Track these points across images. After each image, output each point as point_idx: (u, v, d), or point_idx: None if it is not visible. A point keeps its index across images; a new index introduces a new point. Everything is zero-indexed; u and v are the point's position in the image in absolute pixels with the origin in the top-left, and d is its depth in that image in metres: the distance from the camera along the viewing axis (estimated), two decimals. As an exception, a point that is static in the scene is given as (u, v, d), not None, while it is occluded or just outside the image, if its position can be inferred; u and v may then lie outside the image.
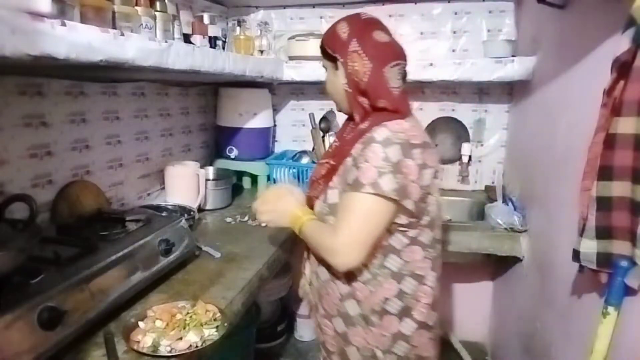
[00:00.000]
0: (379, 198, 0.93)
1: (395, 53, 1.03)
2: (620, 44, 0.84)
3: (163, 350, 0.91)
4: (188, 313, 1.02)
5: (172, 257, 1.23)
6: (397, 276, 1.04)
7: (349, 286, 1.06)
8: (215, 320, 1.02)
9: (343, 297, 1.08)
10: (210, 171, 2.01)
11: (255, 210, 1.20)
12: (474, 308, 2.28)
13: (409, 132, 0.97)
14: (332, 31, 1.06)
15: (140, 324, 0.98)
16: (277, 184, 1.24)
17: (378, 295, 1.04)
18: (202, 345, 0.93)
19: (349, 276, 1.05)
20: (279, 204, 1.15)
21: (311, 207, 1.14)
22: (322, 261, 1.09)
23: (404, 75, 1.06)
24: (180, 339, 0.94)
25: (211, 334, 0.98)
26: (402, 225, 1.01)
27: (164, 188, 1.82)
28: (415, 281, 1.06)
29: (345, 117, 1.17)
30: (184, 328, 0.97)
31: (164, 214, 1.56)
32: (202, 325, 0.99)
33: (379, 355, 1.07)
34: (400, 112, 1.02)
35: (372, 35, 1.02)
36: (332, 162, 1.06)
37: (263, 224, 1.17)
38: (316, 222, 1.08)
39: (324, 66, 1.12)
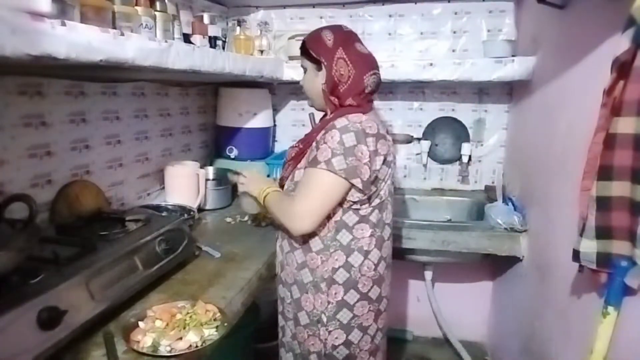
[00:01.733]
0: (331, 174, 1.07)
1: (373, 64, 1.18)
2: (620, 44, 0.84)
3: (163, 350, 0.91)
4: (188, 313, 1.02)
5: (171, 257, 1.23)
6: (346, 249, 1.15)
7: (304, 256, 1.18)
8: (215, 320, 1.02)
9: (299, 266, 1.20)
10: (210, 171, 2.01)
11: (235, 176, 1.38)
12: (474, 308, 2.29)
13: (365, 124, 1.10)
14: (317, 37, 1.18)
15: (140, 323, 0.98)
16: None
17: (328, 264, 1.16)
18: (202, 345, 0.93)
19: (305, 247, 1.18)
20: (256, 177, 1.35)
21: (281, 186, 1.29)
22: (284, 235, 1.23)
23: (378, 83, 1.20)
24: (180, 339, 0.94)
25: (211, 334, 0.98)
26: (354, 203, 1.13)
27: (163, 188, 1.82)
28: (361, 256, 1.16)
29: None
30: (184, 328, 0.97)
31: (163, 214, 1.56)
32: (202, 325, 0.99)
33: (323, 319, 1.17)
34: (362, 108, 1.17)
35: (355, 46, 1.17)
36: (300, 146, 1.22)
37: (240, 191, 1.35)
38: (278, 192, 1.23)
39: (302, 66, 1.24)
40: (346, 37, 1.18)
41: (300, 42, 1.22)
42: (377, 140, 1.12)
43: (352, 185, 1.09)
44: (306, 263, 1.19)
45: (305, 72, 1.25)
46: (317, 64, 1.18)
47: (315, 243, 1.17)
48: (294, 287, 1.22)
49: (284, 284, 1.27)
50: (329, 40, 1.16)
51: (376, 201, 1.17)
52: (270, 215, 1.26)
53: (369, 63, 1.18)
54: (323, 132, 1.13)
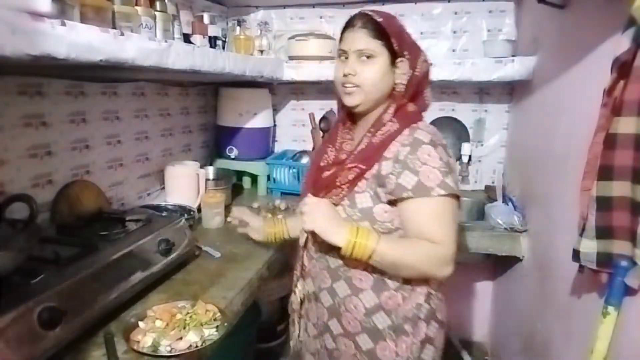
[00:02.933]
0: (450, 198, 0.92)
1: (430, 70, 1.08)
2: (620, 43, 0.84)
3: (163, 350, 0.91)
4: (188, 313, 1.02)
5: (172, 257, 1.23)
6: (428, 279, 1.00)
7: (377, 297, 0.99)
8: (215, 320, 1.02)
9: (369, 311, 1.00)
10: (210, 171, 2.01)
11: (300, 208, 1.01)
12: (474, 308, 2.28)
13: (438, 134, 1.00)
14: (399, 26, 1.00)
15: (141, 323, 0.98)
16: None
17: (411, 301, 0.99)
18: (202, 345, 0.93)
19: (377, 287, 0.99)
20: (332, 212, 0.98)
21: None
22: (339, 274, 1.03)
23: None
24: (180, 338, 0.94)
25: (211, 333, 0.98)
26: None
27: (164, 188, 1.82)
28: (437, 281, 1.03)
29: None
30: (184, 328, 0.97)
31: (164, 214, 1.56)
32: (202, 325, 0.99)
33: None
34: (420, 117, 1.05)
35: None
36: (362, 167, 0.98)
37: (306, 228, 0.98)
38: (392, 237, 0.97)
39: (364, 53, 0.99)
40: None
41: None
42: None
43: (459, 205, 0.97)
44: (380, 306, 0.99)
45: (363, 58, 0.99)
46: (393, 55, 0.98)
47: (392, 278, 0.99)
48: (363, 337, 1.01)
49: (342, 335, 1.04)
50: (409, 34, 1.01)
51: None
52: (384, 266, 0.95)
53: (429, 69, 1.06)
54: (407, 148, 0.94)
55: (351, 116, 1.10)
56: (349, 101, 1.02)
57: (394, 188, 0.94)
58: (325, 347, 1.09)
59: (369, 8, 1.09)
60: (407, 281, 0.99)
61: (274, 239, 1.30)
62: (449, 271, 0.93)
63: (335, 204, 1.00)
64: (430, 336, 1.02)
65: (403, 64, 0.99)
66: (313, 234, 1.00)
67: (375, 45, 0.98)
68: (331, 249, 1.00)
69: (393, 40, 0.97)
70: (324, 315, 1.07)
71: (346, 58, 1.01)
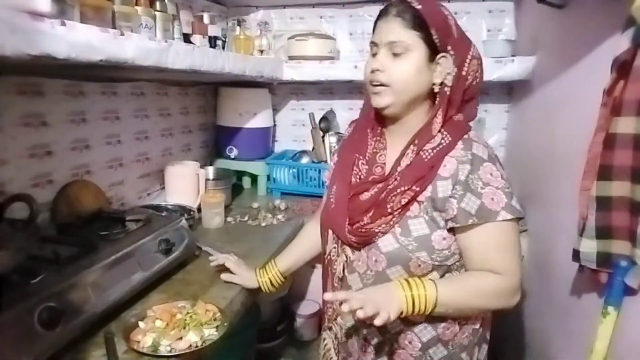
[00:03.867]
0: (514, 222, 0.84)
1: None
2: (620, 43, 0.84)
3: (163, 350, 0.91)
4: (188, 313, 1.02)
5: (172, 257, 1.23)
6: None
7: (434, 330, 0.91)
8: (215, 320, 1.02)
9: (425, 345, 0.91)
10: (210, 171, 2.01)
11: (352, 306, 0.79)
12: (474, 308, 2.28)
13: (490, 146, 0.89)
14: (443, 16, 0.85)
15: (141, 323, 0.98)
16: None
17: (468, 328, 0.93)
18: (202, 345, 0.93)
19: (433, 319, 0.89)
20: (379, 292, 0.85)
21: (363, 244, 0.91)
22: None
23: None
24: (180, 338, 0.94)
25: (211, 333, 0.98)
26: None
27: (164, 188, 1.82)
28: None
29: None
30: (184, 328, 0.97)
31: (164, 213, 1.56)
32: (202, 325, 0.99)
33: None
34: (468, 127, 0.90)
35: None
36: (416, 189, 0.85)
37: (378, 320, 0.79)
38: (448, 280, 0.88)
39: (397, 47, 0.84)
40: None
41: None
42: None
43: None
44: (438, 337, 0.91)
45: (399, 54, 0.84)
46: (433, 50, 0.84)
47: None
48: None
49: None
50: (455, 25, 0.86)
51: None
52: (448, 313, 0.88)
53: (483, 73, 0.92)
54: (466, 166, 0.83)
55: (380, 120, 0.95)
56: (376, 102, 0.88)
57: (456, 214, 0.83)
58: None
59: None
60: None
61: (269, 288, 1.18)
62: (517, 300, 0.88)
63: (383, 232, 0.88)
64: (480, 359, 0.99)
65: (446, 61, 0.85)
66: (349, 262, 0.94)
67: (411, 37, 0.83)
68: (380, 282, 0.89)
69: (433, 31, 0.82)
70: (369, 354, 0.96)
71: (377, 52, 0.87)
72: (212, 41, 1.63)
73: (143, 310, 1.03)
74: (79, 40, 0.83)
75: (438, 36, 0.83)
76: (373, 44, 0.88)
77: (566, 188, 1.24)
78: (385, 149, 0.95)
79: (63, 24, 0.79)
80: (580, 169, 0.98)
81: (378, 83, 0.87)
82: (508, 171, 2.02)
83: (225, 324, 1.01)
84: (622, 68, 0.85)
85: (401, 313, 0.81)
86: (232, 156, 2.14)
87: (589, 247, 0.95)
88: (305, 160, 2.16)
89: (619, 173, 0.89)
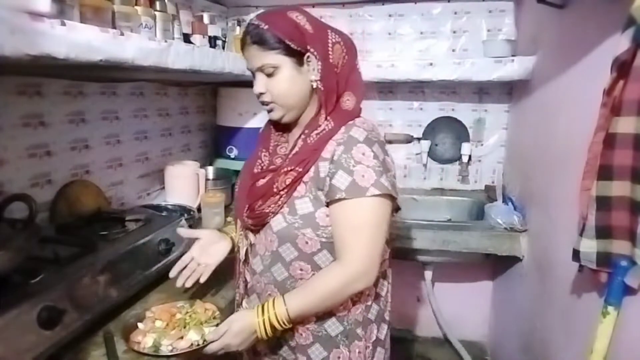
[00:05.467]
0: (383, 198, 0.87)
1: (355, 48, 0.96)
2: (620, 43, 0.84)
3: (165, 349, 0.91)
4: (187, 312, 1.02)
5: (172, 257, 1.23)
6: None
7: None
8: (214, 318, 1.02)
9: (320, 319, 0.95)
10: (210, 171, 2.00)
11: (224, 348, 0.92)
12: (474, 308, 2.29)
13: (376, 130, 0.93)
14: (288, 21, 0.90)
15: (140, 324, 0.98)
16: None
17: (360, 304, 0.96)
18: (203, 343, 0.94)
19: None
20: (239, 328, 0.91)
21: (261, 225, 0.97)
22: (282, 282, 0.96)
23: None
24: (181, 338, 0.94)
25: (211, 332, 0.98)
26: None
27: (163, 188, 1.82)
28: (384, 281, 1.02)
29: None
30: (184, 327, 0.97)
31: (163, 213, 1.56)
32: (201, 324, 0.99)
33: None
34: (356, 109, 0.95)
35: (335, 28, 0.95)
36: (298, 169, 0.91)
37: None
38: (297, 290, 0.92)
39: (265, 67, 0.91)
40: (318, 18, 0.94)
41: (250, 35, 0.87)
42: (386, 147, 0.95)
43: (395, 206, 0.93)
44: (331, 312, 0.94)
45: (271, 74, 0.91)
46: (299, 55, 0.90)
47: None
48: (316, 347, 0.96)
49: (291, 349, 0.98)
50: (307, 24, 0.90)
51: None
52: (308, 318, 0.93)
53: (355, 49, 0.96)
54: (341, 147, 0.88)
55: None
56: (271, 117, 0.99)
57: (328, 190, 0.88)
58: None
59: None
60: None
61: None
62: (364, 284, 0.89)
63: (274, 213, 0.94)
64: (380, 338, 1.01)
65: (312, 59, 0.90)
66: (252, 245, 1.00)
67: (272, 57, 0.89)
68: (276, 261, 0.95)
69: (287, 41, 0.88)
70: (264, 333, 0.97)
71: (255, 77, 0.96)
72: (212, 41, 1.63)
73: (142, 311, 1.03)
74: (79, 40, 0.83)
75: (295, 44, 0.89)
76: (250, 70, 0.97)
77: (566, 188, 1.24)
78: (286, 142, 1.03)
79: (63, 24, 0.79)
80: (580, 169, 0.98)
81: (267, 102, 0.97)
82: (508, 171, 2.02)
83: None
84: (622, 68, 0.85)
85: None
86: (232, 156, 2.14)
87: (589, 246, 0.95)
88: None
89: (619, 173, 0.89)
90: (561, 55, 1.42)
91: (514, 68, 1.76)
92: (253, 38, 0.90)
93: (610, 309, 0.93)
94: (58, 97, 1.33)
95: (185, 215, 1.56)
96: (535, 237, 1.58)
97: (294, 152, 0.95)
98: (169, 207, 1.67)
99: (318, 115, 0.93)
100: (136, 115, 1.70)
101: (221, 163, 2.15)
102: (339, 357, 0.96)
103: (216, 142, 2.25)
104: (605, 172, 0.91)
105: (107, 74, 1.42)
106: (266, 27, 0.88)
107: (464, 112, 2.19)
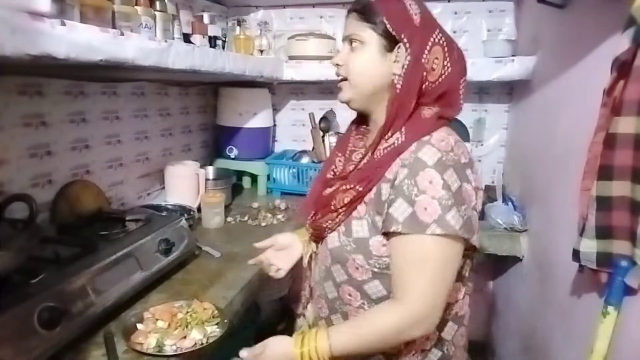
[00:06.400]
0: (449, 239, 0.75)
1: (466, 67, 0.87)
2: (620, 43, 0.84)
3: (169, 349, 0.91)
4: (188, 312, 1.03)
5: (172, 256, 1.23)
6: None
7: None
8: (214, 317, 1.03)
9: (366, 356, 0.87)
10: (210, 171, 2.00)
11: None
12: (474, 308, 2.27)
13: (456, 149, 0.79)
14: (399, 3, 0.82)
15: (139, 325, 0.98)
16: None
17: (415, 347, 0.86)
18: (206, 342, 0.94)
19: None
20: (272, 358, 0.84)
21: (320, 237, 0.93)
22: (335, 310, 0.90)
23: (466, 91, 0.90)
24: (184, 337, 0.94)
25: (213, 330, 0.99)
26: None
27: (164, 188, 1.82)
28: (455, 325, 0.91)
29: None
30: (187, 327, 0.98)
31: (164, 213, 1.56)
32: (203, 323, 1.00)
33: None
34: (444, 118, 0.84)
35: (449, 35, 0.85)
36: (359, 189, 0.83)
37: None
38: (344, 325, 0.84)
39: (352, 37, 0.84)
40: (434, 18, 0.84)
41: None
42: (472, 168, 0.82)
43: (469, 244, 0.80)
44: (377, 355, 0.87)
45: (354, 46, 0.84)
46: (391, 41, 0.81)
47: None
48: None
49: None
50: (416, 13, 0.81)
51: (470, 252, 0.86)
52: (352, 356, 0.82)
53: (465, 65, 0.87)
54: (405, 170, 0.77)
55: (363, 118, 0.95)
56: (340, 96, 0.89)
57: (384, 219, 0.79)
58: None
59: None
60: None
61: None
62: (422, 331, 0.78)
63: (331, 229, 0.88)
64: None
65: (402, 51, 0.81)
66: (315, 253, 0.95)
67: (363, 29, 0.82)
68: (328, 279, 0.89)
69: (385, 20, 0.80)
70: None
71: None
72: (212, 41, 1.63)
73: (140, 312, 1.03)
74: (79, 40, 0.83)
75: (392, 26, 0.80)
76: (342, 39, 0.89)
77: (566, 188, 1.24)
78: (364, 147, 0.94)
79: (63, 24, 0.79)
80: (580, 168, 0.98)
81: (340, 77, 0.88)
82: (508, 171, 2.02)
83: (226, 321, 1.02)
84: (622, 68, 0.85)
85: None
86: (232, 156, 2.14)
87: (589, 247, 0.95)
88: (305, 160, 2.16)
89: (619, 173, 0.89)
90: (561, 55, 1.42)
91: (514, 68, 1.76)
92: (356, 5, 0.84)
93: (610, 309, 0.93)
94: (59, 97, 1.33)
95: (186, 215, 1.56)
96: (535, 237, 1.58)
97: (361, 164, 0.87)
98: (169, 207, 1.67)
99: (392, 121, 0.82)
100: (137, 115, 1.70)
101: (221, 163, 2.15)
102: None
103: (216, 142, 2.25)
104: (605, 172, 0.91)
105: (108, 74, 1.42)
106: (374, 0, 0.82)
107: (464, 112, 2.13)
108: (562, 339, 1.26)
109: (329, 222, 0.88)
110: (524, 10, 1.93)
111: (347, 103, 0.89)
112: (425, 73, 0.81)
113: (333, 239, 0.88)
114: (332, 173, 0.94)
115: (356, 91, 0.86)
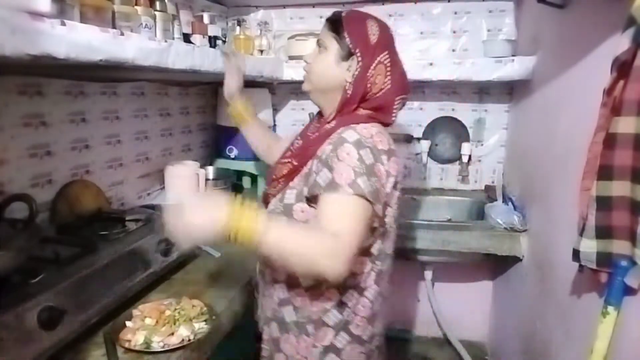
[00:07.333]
0: (359, 199, 0.86)
1: (407, 87, 1.04)
2: (620, 43, 0.84)
3: (156, 346, 0.92)
4: (176, 309, 1.03)
5: (171, 257, 1.23)
6: (340, 287, 0.96)
7: (288, 292, 1.00)
8: (202, 314, 1.04)
9: (281, 302, 1.01)
10: (210, 171, 2.00)
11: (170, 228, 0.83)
12: (474, 308, 2.29)
13: (375, 137, 0.94)
14: (361, 22, 0.99)
15: (128, 323, 0.99)
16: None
17: (318, 304, 0.98)
18: (194, 338, 0.95)
19: (290, 282, 0.99)
20: (210, 203, 0.83)
21: (266, 203, 1.07)
22: (265, 262, 1.03)
23: (401, 107, 1.04)
24: (172, 334, 0.95)
25: (201, 327, 1.00)
26: None
27: (163, 188, 1.82)
28: (357, 294, 0.99)
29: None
30: (174, 324, 0.98)
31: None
32: (191, 320, 1.01)
33: None
34: (376, 120, 1.00)
35: (398, 58, 1.02)
36: (294, 163, 0.99)
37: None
38: (286, 225, 0.91)
39: (321, 42, 1.02)
40: (392, 41, 1.01)
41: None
42: (389, 157, 0.95)
43: (374, 212, 0.90)
44: (290, 300, 1.00)
45: (320, 49, 1.02)
46: (348, 52, 0.98)
47: (307, 280, 0.97)
48: (273, 325, 1.04)
49: (263, 319, 1.09)
50: (374, 34, 0.98)
51: (381, 230, 0.98)
52: (269, 254, 0.86)
53: (405, 85, 1.03)
54: (330, 147, 0.92)
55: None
56: (303, 86, 1.08)
57: (311, 185, 0.92)
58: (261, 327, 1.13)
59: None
60: (319, 285, 0.96)
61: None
62: (340, 269, 0.82)
63: (273, 195, 1.04)
64: (337, 346, 0.99)
65: (353, 62, 0.97)
66: None
67: (329, 38, 1.00)
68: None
69: (346, 34, 0.98)
70: (260, 297, 1.13)
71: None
72: (212, 41, 1.63)
73: (129, 311, 1.04)
74: (79, 40, 0.83)
75: (350, 40, 0.97)
76: None
77: (566, 188, 1.24)
78: (316, 132, 1.07)
79: (63, 24, 0.79)
80: (580, 168, 0.98)
81: (305, 71, 1.07)
82: (508, 171, 2.02)
83: (214, 317, 1.03)
84: (622, 68, 0.85)
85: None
86: (232, 156, 2.14)
87: (589, 246, 0.95)
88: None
89: (619, 173, 0.89)
90: (561, 55, 1.42)
91: (514, 68, 1.76)
92: (331, 16, 1.02)
93: (610, 309, 0.93)
94: (59, 97, 1.33)
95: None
96: (535, 237, 1.58)
97: (297, 145, 1.05)
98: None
99: (335, 116, 1.00)
100: (137, 115, 1.70)
101: (221, 163, 2.15)
102: (287, 342, 1.02)
103: (216, 142, 2.25)
104: (605, 172, 0.91)
105: (108, 74, 1.42)
106: (344, 15, 1.00)
107: (464, 112, 2.19)
108: (562, 339, 1.26)
109: (272, 189, 1.04)
110: (524, 10, 1.93)
111: (307, 93, 1.08)
112: (369, 85, 0.97)
113: (272, 203, 1.03)
114: (289, 152, 1.08)
115: (313, 86, 1.05)
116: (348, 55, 0.98)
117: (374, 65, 0.97)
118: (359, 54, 0.97)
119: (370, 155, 0.90)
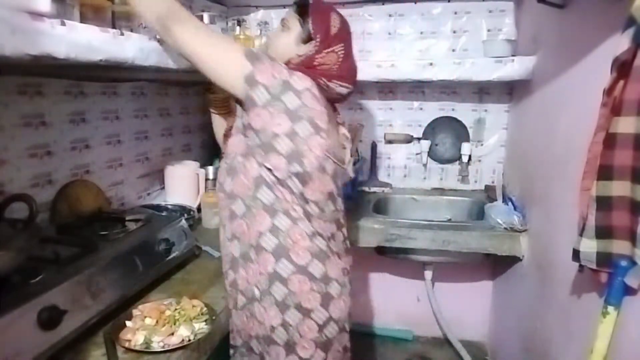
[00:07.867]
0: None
1: (352, 78, 1.10)
2: (620, 43, 0.84)
3: (156, 346, 0.92)
4: (176, 309, 1.03)
5: (172, 257, 1.23)
6: (270, 210, 0.98)
7: (232, 227, 1.04)
8: (202, 314, 1.04)
9: (229, 238, 1.06)
10: (210, 171, 2.00)
11: None
12: (474, 308, 2.29)
13: (305, 81, 1.01)
14: (325, 14, 1.07)
15: (128, 323, 0.99)
16: None
17: (253, 228, 1.00)
18: (194, 338, 0.95)
19: (232, 216, 1.03)
20: None
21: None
22: (225, 217, 1.07)
23: (343, 96, 1.09)
24: (172, 334, 0.95)
25: (201, 327, 1.00)
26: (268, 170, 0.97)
27: (163, 188, 1.82)
28: (289, 220, 0.99)
29: None
30: (174, 324, 0.99)
31: (164, 213, 1.56)
32: (191, 319, 1.01)
33: (257, 294, 1.00)
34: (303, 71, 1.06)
35: (353, 55, 1.10)
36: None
37: None
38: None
39: (285, 22, 1.08)
40: (349, 37, 1.08)
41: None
42: (312, 94, 0.98)
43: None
44: (235, 234, 1.03)
45: (283, 28, 1.09)
46: (308, 37, 1.05)
47: (239, 206, 1.01)
48: (226, 264, 1.08)
49: (225, 270, 1.11)
50: (335, 26, 1.05)
51: (294, 168, 0.96)
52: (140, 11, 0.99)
53: (351, 76, 1.09)
54: None
55: None
56: None
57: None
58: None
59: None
60: (249, 208, 1.00)
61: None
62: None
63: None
64: (280, 274, 0.98)
65: (310, 47, 1.04)
66: None
67: (294, 20, 1.07)
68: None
69: (310, 20, 1.05)
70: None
71: None
72: (212, 41, 1.62)
73: (129, 310, 1.04)
74: (79, 40, 0.83)
75: (313, 26, 1.04)
76: None
77: (566, 188, 1.24)
78: None
79: (63, 24, 0.79)
80: (580, 168, 0.98)
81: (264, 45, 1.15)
82: (508, 171, 2.02)
83: (214, 318, 1.03)
84: (622, 68, 0.85)
85: None
86: (232, 156, 2.13)
87: (589, 246, 0.95)
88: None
89: (619, 173, 0.89)
90: (561, 55, 1.42)
91: (514, 68, 1.76)
92: (299, 1, 1.08)
93: (610, 309, 0.93)
94: (59, 97, 1.34)
95: (185, 215, 1.56)
96: (535, 237, 1.58)
97: None
98: (169, 207, 1.67)
99: None
100: (137, 115, 1.70)
101: (221, 163, 2.15)
102: (239, 279, 1.04)
103: (216, 142, 2.25)
104: (605, 172, 0.91)
105: (108, 74, 1.41)
106: (312, 3, 1.07)
107: (464, 112, 2.19)
108: (562, 339, 1.26)
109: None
110: (524, 10, 1.93)
111: None
112: (315, 63, 1.04)
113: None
114: None
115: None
116: (307, 39, 1.05)
117: (327, 51, 1.04)
118: (318, 40, 1.04)
119: (286, 73, 0.97)
